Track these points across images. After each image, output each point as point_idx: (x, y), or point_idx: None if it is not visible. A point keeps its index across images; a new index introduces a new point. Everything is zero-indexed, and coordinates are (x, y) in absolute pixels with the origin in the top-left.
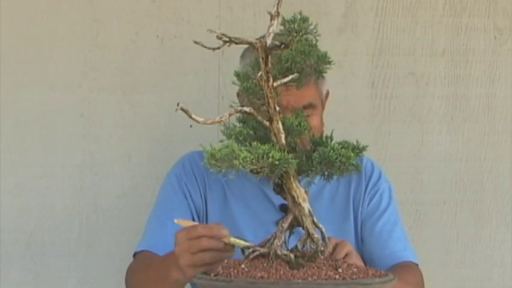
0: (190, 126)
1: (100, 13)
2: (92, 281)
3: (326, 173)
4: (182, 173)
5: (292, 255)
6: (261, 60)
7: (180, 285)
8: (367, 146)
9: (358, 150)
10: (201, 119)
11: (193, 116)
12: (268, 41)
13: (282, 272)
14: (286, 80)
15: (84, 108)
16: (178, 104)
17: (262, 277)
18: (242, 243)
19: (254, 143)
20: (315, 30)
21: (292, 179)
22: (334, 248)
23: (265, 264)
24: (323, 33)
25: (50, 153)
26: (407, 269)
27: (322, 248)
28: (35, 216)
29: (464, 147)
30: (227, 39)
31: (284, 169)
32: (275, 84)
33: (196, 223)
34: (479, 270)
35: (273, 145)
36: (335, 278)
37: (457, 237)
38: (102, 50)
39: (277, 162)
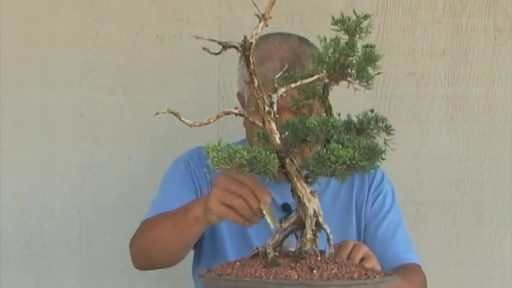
0: (190, 126)
1: (100, 13)
2: (92, 281)
3: (340, 175)
4: (190, 161)
5: (272, 254)
6: (243, 62)
7: (197, 226)
8: (381, 147)
9: (367, 151)
10: (189, 122)
11: (182, 118)
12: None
13: (248, 270)
14: (311, 79)
15: (84, 108)
16: (168, 109)
17: (228, 274)
18: (268, 219)
19: (227, 144)
20: (368, 28)
21: (295, 179)
22: (351, 251)
23: (250, 263)
24: (323, 33)
25: (50, 153)
26: (411, 271)
27: (306, 248)
28: (35, 216)
29: (464, 147)
30: (218, 44)
31: (262, 168)
32: (292, 85)
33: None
34: (479, 270)
35: (251, 145)
36: (285, 278)
37: (457, 237)
38: (102, 50)
39: (245, 162)
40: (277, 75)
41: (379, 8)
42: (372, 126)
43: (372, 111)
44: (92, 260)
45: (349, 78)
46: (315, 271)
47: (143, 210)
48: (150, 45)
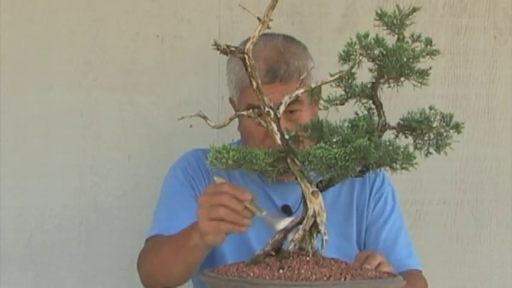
0: (190, 126)
1: (100, 13)
2: (92, 281)
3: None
4: (188, 167)
5: (260, 253)
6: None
7: (198, 251)
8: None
9: (356, 151)
10: (213, 124)
11: (208, 121)
12: (247, 46)
13: (232, 269)
14: (332, 79)
15: (84, 108)
16: (197, 113)
17: (217, 272)
18: (257, 211)
19: (223, 144)
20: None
21: (299, 178)
22: (365, 258)
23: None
24: (323, 33)
25: (50, 153)
26: (412, 277)
27: (291, 248)
28: (35, 216)
29: (464, 147)
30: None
31: (249, 168)
32: (313, 84)
33: (227, 182)
34: (479, 270)
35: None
36: (246, 276)
37: (457, 237)
38: (102, 50)
39: (231, 162)
40: (302, 76)
41: (379, 8)
42: (434, 125)
43: (431, 108)
44: (92, 260)
45: (405, 75)
46: (281, 271)
47: (143, 210)
48: (150, 45)
